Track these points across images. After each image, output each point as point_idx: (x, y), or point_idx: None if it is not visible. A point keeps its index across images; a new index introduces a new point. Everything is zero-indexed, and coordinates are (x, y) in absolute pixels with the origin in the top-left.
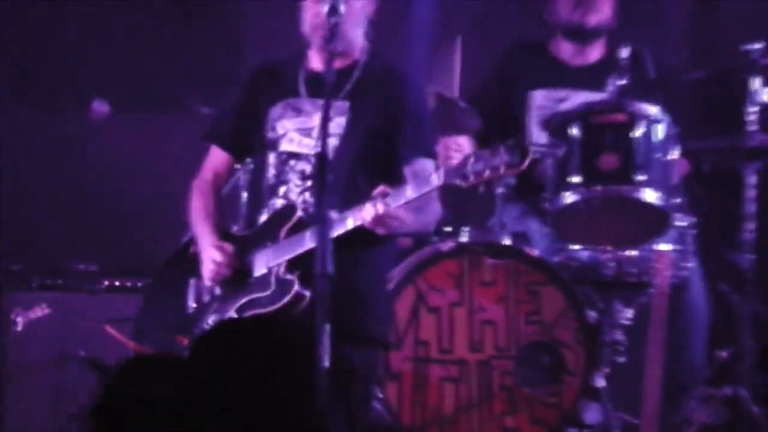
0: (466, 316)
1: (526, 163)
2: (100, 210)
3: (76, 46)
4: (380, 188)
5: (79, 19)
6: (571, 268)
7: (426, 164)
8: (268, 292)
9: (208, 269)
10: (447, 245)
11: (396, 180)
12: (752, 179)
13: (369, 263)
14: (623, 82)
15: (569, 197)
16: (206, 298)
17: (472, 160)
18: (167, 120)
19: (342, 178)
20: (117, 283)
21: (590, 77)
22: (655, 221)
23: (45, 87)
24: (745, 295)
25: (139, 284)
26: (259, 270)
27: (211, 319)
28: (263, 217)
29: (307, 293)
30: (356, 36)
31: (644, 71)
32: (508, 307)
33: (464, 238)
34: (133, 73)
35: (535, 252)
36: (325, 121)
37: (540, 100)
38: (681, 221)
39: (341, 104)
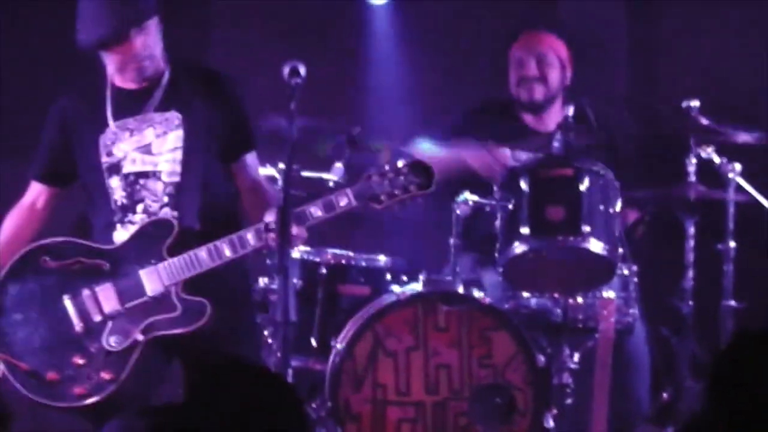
0: (422, 360)
1: (433, 183)
2: None
3: None
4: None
5: None
6: (521, 314)
7: (252, 157)
8: (175, 314)
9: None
10: (403, 294)
11: (239, 175)
12: (691, 229)
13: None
14: (569, 137)
15: (518, 247)
16: (96, 317)
17: (375, 180)
18: None
19: (198, 191)
20: None
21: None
22: (600, 270)
23: None
24: (685, 339)
25: None
26: (154, 289)
27: (113, 339)
28: (124, 234)
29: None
30: (159, 56)
31: (589, 125)
32: (462, 351)
33: (419, 286)
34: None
35: (487, 299)
36: (289, 167)
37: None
38: (624, 270)
39: (173, 116)
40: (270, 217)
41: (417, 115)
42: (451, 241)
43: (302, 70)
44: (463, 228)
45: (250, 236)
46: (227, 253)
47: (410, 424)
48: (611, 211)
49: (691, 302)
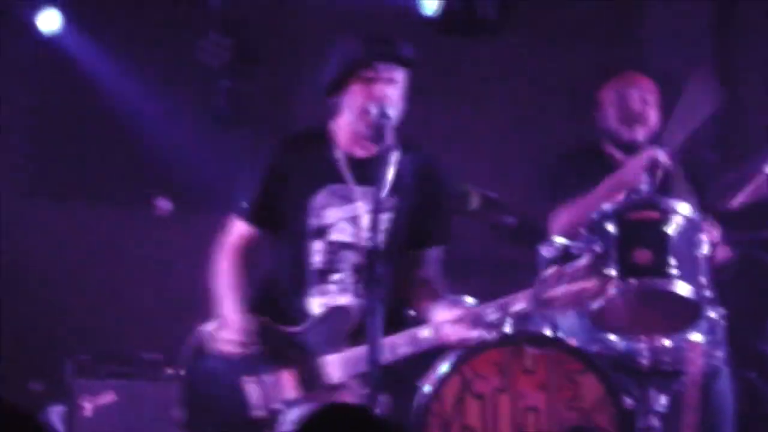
0: (509, 402)
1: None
2: (164, 302)
3: (142, 143)
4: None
5: (145, 120)
6: (608, 357)
7: (440, 252)
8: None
9: (222, 341)
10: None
11: (420, 266)
12: None
13: None
14: (657, 180)
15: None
16: (276, 405)
17: (551, 282)
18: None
19: (389, 273)
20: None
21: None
22: (687, 313)
23: (107, 182)
24: None
25: None
26: (336, 377)
27: (289, 426)
28: (316, 302)
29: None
30: (398, 122)
31: (675, 169)
32: (549, 394)
33: (507, 328)
34: (196, 174)
35: (574, 342)
36: (377, 213)
37: None
38: (712, 313)
39: (386, 198)
40: (446, 315)
41: (494, 156)
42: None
43: (390, 111)
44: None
45: (427, 333)
46: (403, 349)
47: None
48: (698, 253)
49: None
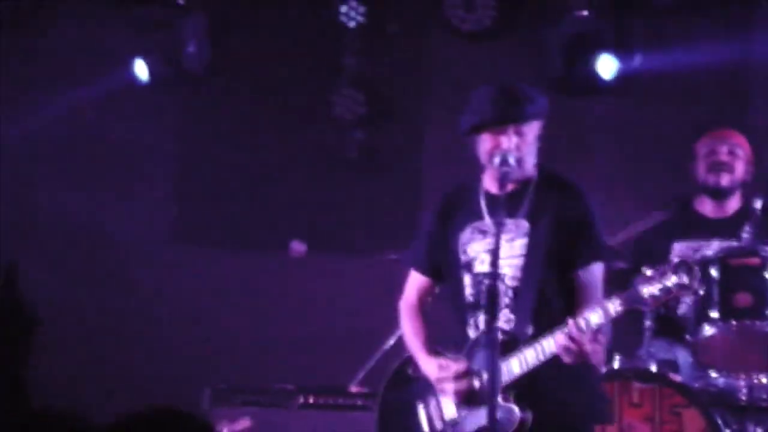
0: None
1: (696, 282)
2: (297, 337)
3: (277, 189)
4: (570, 321)
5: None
6: (710, 393)
7: (597, 268)
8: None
9: (441, 389)
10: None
11: (576, 287)
12: None
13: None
14: (757, 229)
15: (709, 330)
16: (438, 424)
17: (643, 284)
18: (358, 263)
19: (533, 297)
20: (311, 401)
21: (727, 227)
22: None
23: (246, 228)
24: None
25: (330, 401)
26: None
27: None
28: (472, 332)
29: (527, 416)
30: (530, 162)
31: None
32: (654, 427)
33: (616, 364)
34: (329, 219)
35: (678, 377)
36: (497, 247)
37: (679, 249)
38: None
39: (522, 224)
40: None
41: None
42: (646, 323)
43: (511, 160)
44: (655, 312)
45: (550, 342)
46: (532, 358)
47: None
48: None
49: None
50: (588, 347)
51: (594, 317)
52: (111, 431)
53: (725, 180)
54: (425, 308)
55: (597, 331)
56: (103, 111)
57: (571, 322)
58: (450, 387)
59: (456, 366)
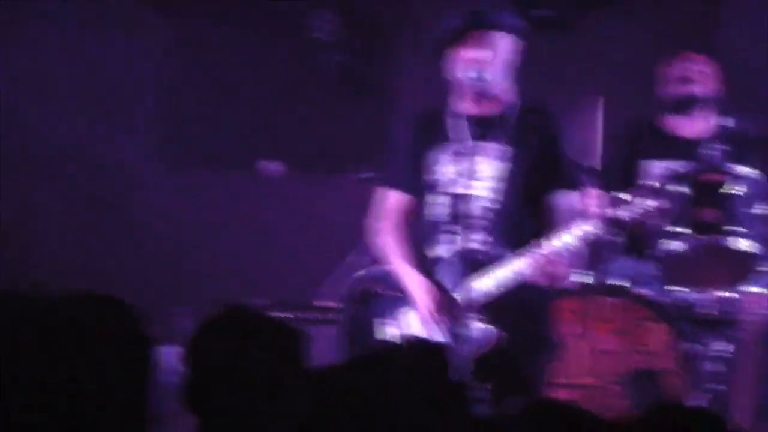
0: (586, 347)
1: (674, 206)
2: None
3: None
4: (543, 242)
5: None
6: (678, 307)
7: (568, 196)
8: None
9: (423, 309)
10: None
11: (548, 212)
12: None
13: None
14: (726, 147)
15: (676, 245)
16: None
17: (619, 207)
18: (334, 182)
19: (512, 221)
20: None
21: (697, 147)
22: (749, 267)
23: (219, 146)
24: None
25: (299, 315)
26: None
27: None
28: (441, 250)
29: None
30: (505, 84)
31: (744, 136)
32: (621, 339)
33: (587, 279)
34: (307, 136)
35: (646, 292)
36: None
37: (657, 170)
38: None
39: (504, 148)
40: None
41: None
42: (617, 239)
43: (487, 75)
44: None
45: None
46: (507, 279)
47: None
48: (762, 213)
49: None
50: (561, 269)
51: (567, 238)
52: None
53: (698, 89)
54: (406, 227)
55: (569, 252)
56: (85, 34)
57: (544, 243)
58: (425, 303)
59: (429, 283)
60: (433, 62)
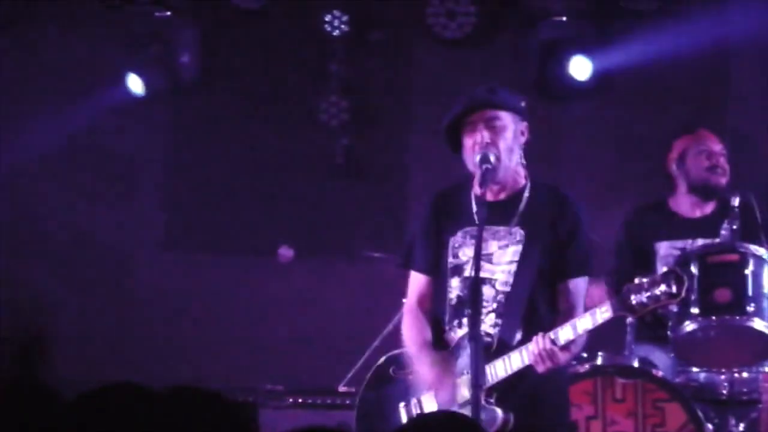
0: (600, 428)
1: (684, 290)
2: (287, 338)
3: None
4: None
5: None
6: (691, 387)
7: (581, 282)
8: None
9: (428, 387)
10: (583, 367)
11: (560, 297)
12: None
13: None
14: (735, 226)
15: (689, 326)
16: None
17: (632, 292)
18: (345, 266)
19: (523, 304)
20: (300, 401)
21: (709, 226)
22: (763, 347)
23: (235, 234)
24: None
25: (319, 401)
26: (464, 397)
27: None
28: (451, 335)
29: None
30: (512, 165)
31: (752, 216)
32: (637, 421)
33: (599, 360)
34: (317, 224)
35: (660, 373)
36: (478, 248)
37: (664, 250)
38: None
39: (516, 231)
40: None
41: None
42: (629, 320)
43: (491, 157)
44: None
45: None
46: (516, 363)
47: None
48: None
49: None
50: (559, 358)
51: (566, 332)
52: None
53: (725, 180)
54: (428, 308)
55: (569, 343)
56: (96, 122)
57: (541, 337)
58: (436, 386)
59: (441, 365)
60: (440, 144)
